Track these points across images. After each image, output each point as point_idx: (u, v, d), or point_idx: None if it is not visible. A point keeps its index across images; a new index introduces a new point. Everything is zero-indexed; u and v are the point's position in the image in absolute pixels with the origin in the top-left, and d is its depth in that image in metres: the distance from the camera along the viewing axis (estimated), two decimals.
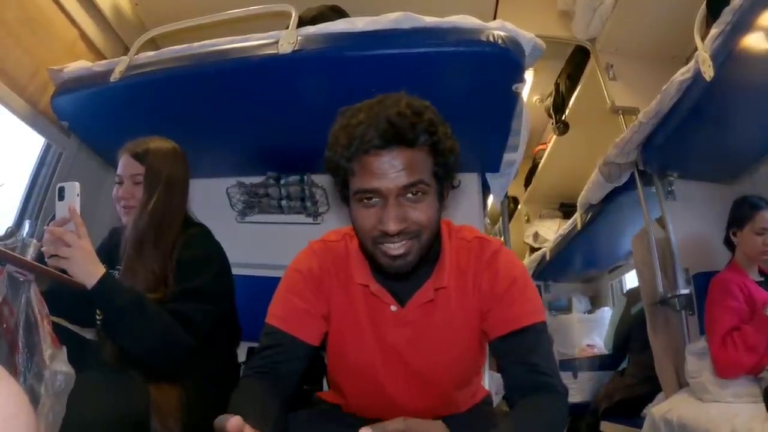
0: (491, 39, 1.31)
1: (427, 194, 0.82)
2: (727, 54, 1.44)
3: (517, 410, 0.83)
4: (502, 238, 2.36)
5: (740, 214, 1.76)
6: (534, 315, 0.87)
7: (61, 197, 1.01)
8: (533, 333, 0.86)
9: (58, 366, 0.84)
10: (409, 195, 0.80)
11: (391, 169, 0.79)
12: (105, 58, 1.84)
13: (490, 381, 1.55)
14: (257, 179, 1.98)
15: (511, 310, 0.87)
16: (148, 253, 1.15)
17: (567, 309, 3.66)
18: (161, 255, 1.16)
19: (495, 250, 0.93)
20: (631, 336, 2.47)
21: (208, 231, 1.30)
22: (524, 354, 0.84)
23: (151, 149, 1.24)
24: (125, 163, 1.25)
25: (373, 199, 0.81)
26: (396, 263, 0.83)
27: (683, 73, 1.60)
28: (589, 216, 2.64)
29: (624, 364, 2.51)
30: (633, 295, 2.62)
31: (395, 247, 0.81)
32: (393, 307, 0.91)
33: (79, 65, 1.63)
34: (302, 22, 1.56)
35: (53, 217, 1.02)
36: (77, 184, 1.02)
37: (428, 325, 0.91)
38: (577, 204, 2.72)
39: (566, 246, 3.05)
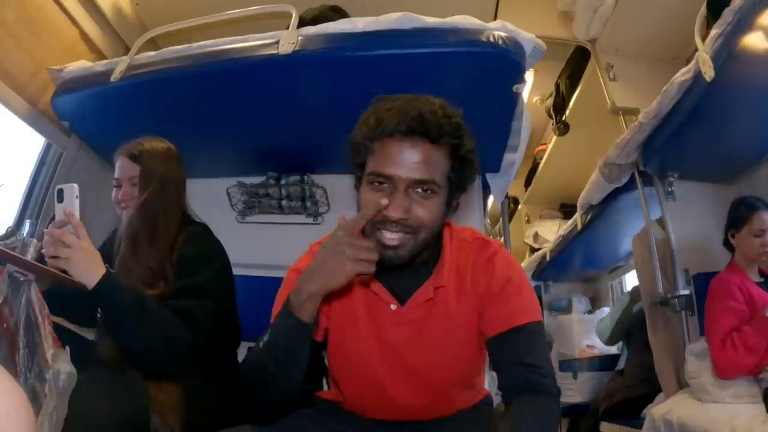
0: (492, 39, 1.31)
1: (436, 194, 0.84)
2: (727, 55, 1.44)
3: (512, 412, 0.83)
4: (502, 239, 2.36)
5: (737, 216, 1.75)
6: (529, 314, 0.88)
7: (60, 199, 1.01)
8: (528, 333, 0.86)
9: (61, 365, 0.84)
10: (419, 190, 0.83)
11: (408, 159, 0.81)
12: (105, 58, 1.84)
13: (491, 381, 1.55)
14: (257, 179, 1.98)
15: (506, 309, 0.88)
16: (143, 250, 1.16)
17: (567, 309, 3.64)
18: (157, 251, 1.16)
19: (493, 251, 0.94)
20: (631, 335, 2.47)
21: (209, 229, 1.30)
22: (519, 353, 0.85)
23: (145, 149, 1.25)
24: (122, 166, 1.25)
25: (384, 185, 0.83)
26: (388, 253, 0.83)
27: (683, 74, 1.60)
28: (589, 216, 2.64)
29: (623, 364, 2.51)
30: (637, 293, 2.60)
31: (391, 237, 0.83)
32: (393, 306, 0.92)
33: (80, 65, 1.63)
34: (303, 23, 1.56)
35: (53, 219, 1.02)
36: (76, 185, 1.02)
37: (428, 324, 0.91)
38: (577, 204, 2.71)
39: (566, 246, 3.05)
